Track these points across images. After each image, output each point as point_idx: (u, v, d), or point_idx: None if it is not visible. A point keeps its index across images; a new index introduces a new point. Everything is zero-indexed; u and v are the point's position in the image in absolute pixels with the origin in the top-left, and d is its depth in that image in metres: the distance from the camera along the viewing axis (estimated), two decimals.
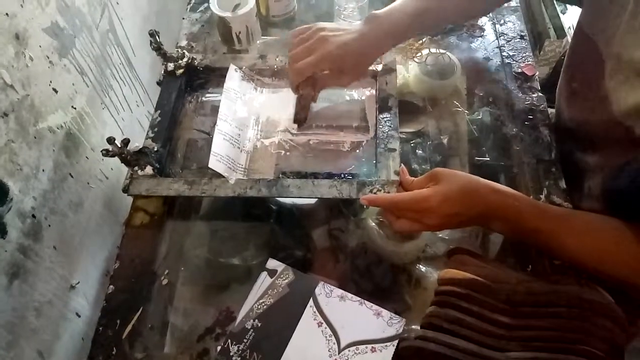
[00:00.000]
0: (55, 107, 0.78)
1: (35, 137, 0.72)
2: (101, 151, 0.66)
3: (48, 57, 0.77)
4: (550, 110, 0.83)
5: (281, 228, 0.78)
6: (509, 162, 0.76)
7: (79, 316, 0.84)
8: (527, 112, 0.79)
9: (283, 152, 0.77)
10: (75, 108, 0.84)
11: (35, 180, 0.72)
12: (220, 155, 0.71)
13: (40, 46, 0.74)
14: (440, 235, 0.79)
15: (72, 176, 0.82)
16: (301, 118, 0.80)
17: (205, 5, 0.96)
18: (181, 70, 0.81)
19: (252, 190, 0.69)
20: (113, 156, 0.66)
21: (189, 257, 0.72)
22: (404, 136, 0.85)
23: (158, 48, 0.78)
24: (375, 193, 0.69)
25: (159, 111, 0.77)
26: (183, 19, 1.00)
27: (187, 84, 0.84)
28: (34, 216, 0.71)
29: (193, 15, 1.00)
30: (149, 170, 0.69)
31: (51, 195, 0.76)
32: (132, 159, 0.68)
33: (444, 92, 0.86)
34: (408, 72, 0.89)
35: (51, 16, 0.78)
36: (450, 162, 0.84)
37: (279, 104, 0.81)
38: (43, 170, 0.74)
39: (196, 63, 0.83)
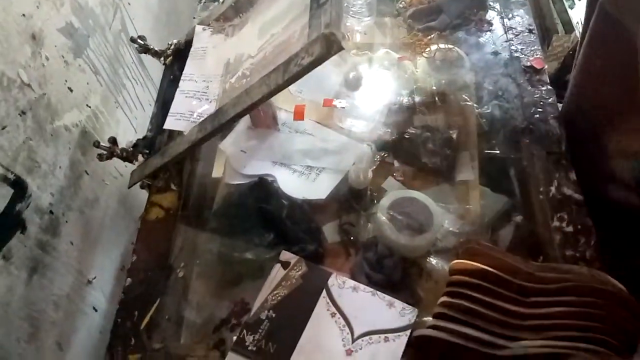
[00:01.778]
0: (71, 106, 0.80)
1: (52, 135, 0.74)
2: (96, 157, 0.67)
3: (63, 57, 0.78)
4: (560, 105, 0.84)
5: (293, 223, 0.79)
6: (519, 155, 0.77)
7: (96, 310, 0.85)
8: (536, 105, 0.80)
9: (245, 80, 0.73)
10: (89, 107, 0.86)
11: (52, 177, 0.74)
12: (180, 113, 0.71)
13: (55, 46, 0.76)
14: (450, 228, 0.80)
15: (87, 173, 0.84)
16: None
17: (216, 3, 0.98)
18: (169, 58, 0.82)
19: (201, 133, 0.67)
20: (108, 158, 0.68)
21: (203, 251, 0.73)
22: (413, 131, 0.85)
23: (146, 49, 0.80)
24: (302, 61, 0.56)
25: (157, 103, 0.79)
26: (194, 17, 1.01)
27: (179, 68, 0.84)
28: (51, 212, 0.73)
29: (204, 13, 1.01)
30: (141, 159, 0.71)
31: (68, 192, 0.78)
32: (129, 154, 0.69)
33: (453, 87, 0.87)
34: (416, 67, 0.90)
35: (66, 17, 0.79)
36: (460, 156, 0.85)
37: (246, 36, 0.78)
38: (60, 168, 0.76)
39: (180, 45, 0.84)
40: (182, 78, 0.73)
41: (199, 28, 0.79)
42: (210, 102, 0.72)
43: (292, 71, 0.56)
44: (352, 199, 0.84)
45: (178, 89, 0.72)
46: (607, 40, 0.68)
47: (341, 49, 0.53)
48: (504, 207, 0.82)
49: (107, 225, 0.90)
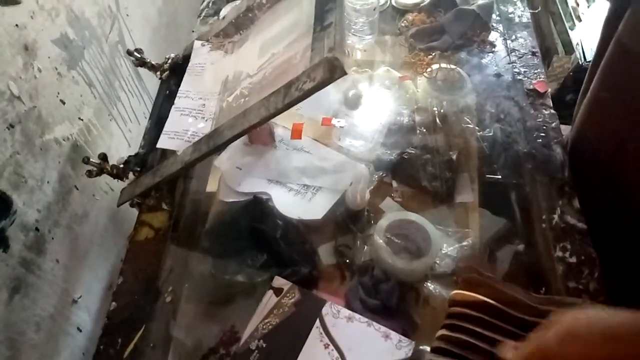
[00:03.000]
0: (62, 119, 0.78)
1: (41, 149, 0.72)
2: (85, 173, 0.65)
3: (56, 69, 0.76)
4: (562, 127, 0.82)
5: (287, 244, 0.77)
6: (521, 180, 0.75)
7: (80, 330, 0.82)
8: (539, 129, 0.78)
9: (243, 100, 0.71)
10: (82, 119, 0.83)
11: (39, 193, 0.71)
12: (175, 132, 0.69)
13: (49, 57, 0.74)
14: (449, 252, 0.78)
15: (77, 188, 0.81)
16: None
17: (215, 18, 0.97)
18: (166, 72, 0.81)
19: (195, 154, 0.64)
20: (98, 174, 0.65)
21: (193, 273, 0.71)
22: (412, 151, 0.84)
23: (142, 63, 0.78)
24: (304, 86, 0.54)
25: (151, 120, 0.77)
26: (193, 31, 1.00)
27: (176, 83, 0.82)
28: (37, 229, 0.70)
29: (202, 27, 1.00)
30: (132, 176, 0.68)
31: (55, 207, 0.75)
32: (119, 171, 0.67)
33: (454, 108, 0.85)
34: (417, 87, 0.89)
35: (61, 28, 0.78)
36: (460, 178, 0.83)
37: (245, 53, 0.77)
38: (48, 182, 0.73)
39: (178, 59, 0.82)
40: (178, 94, 0.71)
41: (197, 43, 0.77)
42: (206, 120, 0.70)
43: (293, 95, 0.54)
44: (348, 219, 0.82)
45: (173, 106, 0.70)
46: (619, 72, 0.67)
47: (344, 73, 0.51)
48: (503, 229, 0.80)
49: (96, 242, 0.87)
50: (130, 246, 0.70)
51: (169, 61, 0.80)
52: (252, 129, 0.59)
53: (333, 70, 0.51)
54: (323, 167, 0.89)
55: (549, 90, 0.83)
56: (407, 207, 0.83)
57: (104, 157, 0.66)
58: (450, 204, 0.82)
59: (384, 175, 0.86)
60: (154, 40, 1.14)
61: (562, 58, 1.58)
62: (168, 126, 0.67)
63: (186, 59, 0.80)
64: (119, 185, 0.93)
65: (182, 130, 0.68)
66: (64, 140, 0.78)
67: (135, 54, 0.77)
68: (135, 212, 0.78)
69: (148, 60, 0.78)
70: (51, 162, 0.74)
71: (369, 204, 0.82)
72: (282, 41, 0.65)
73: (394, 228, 0.78)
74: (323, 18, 0.58)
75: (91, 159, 0.66)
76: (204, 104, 0.72)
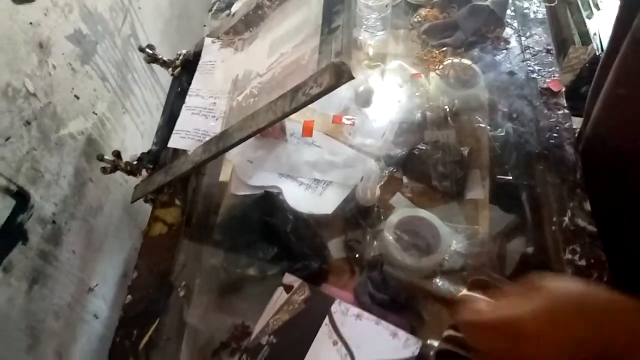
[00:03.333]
0: (77, 114, 0.79)
1: (56, 144, 0.73)
2: (100, 170, 0.66)
3: (70, 64, 0.77)
4: (575, 119, 0.81)
5: (297, 238, 0.78)
6: (532, 181, 0.74)
7: (97, 317, 0.85)
8: (552, 129, 0.77)
9: (252, 99, 0.71)
10: (96, 114, 0.85)
11: (56, 187, 0.73)
12: (186, 131, 0.69)
13: (63, 54, 0.75)
14: (458, 249, 0.79)
15: (92, 181, 0.83)
16: None
17: (227, 12, 0.96)
18: (178, 70, 0.81)
19: (205, 154, 0.65)
20: (112, 171, 0.66)
21: (205, 267, 0.72)
22: (423, 147, 0.84)
23: (154, 59, 0.79)
24: (311, 91, 0.54)
25: (163, 116, 0.77)
26: (204, 26, 1.00)
27: (188, 80, 0.83)
28: (54, 222, 0.72)
29: (214, 22, 1.00)
30: (145, 174, 0.70)
31: (71, 200, 0.77)
32: (133, 168, 0.68)
33: (466, 104, 0.85)
34: (429, 84, 0.88)
35: (74, 23, 0.78)
36: (471, 174, 0.83)
37: (255, 52, 0.76)
38: (64, 177, 0.75)
39: (189, 56, 0.82)
40: (189, 93, 0.71)
41: (207, 40, 0.77)
42: (217, 119, 0.71)
43: (299, 100, 0.54)
44: (358, 215, 0.82)
45: (184, 105, 0.70)
46: (635, 69, 0.65)
47: (351, 78, 0.51)
48: (513, 225, 0.80)
49: (111, 233, 0.89)
50: (144, 241, 0.71)
51: (180, 57, 0.80)
52: (260, 131, 0.59)
53: (340, 76, 0.51)
54: (334, 162, 0.90)
55: (563, 89, 0.82)
56: (417, 203, 0.84)
57: (117, 155, 0.67)
58: (461, 201, 0.82)
59: (394, 170, 0.86)
60: (166, 32, 1.14)
61: (578, 49, 1.55)
62: (179, 125, 0.68)
63: (197, 55, 0.80)
64: (133, 178, 0.95)
65: (193, 129, 0.69)
66: (78, 134, 0.79)
67: (147, 50, 0.77)
68: (149, 206, 0.80)
69: (160, 57, 0.79)
70: (66, 156, 0.76)
71: (379, 199, 0.82)
72: (290, 41, 0.65)
73: (403, 224, 0.79)
74: (331, 20, 0.58)
75: (105, 156, 0.67)
76: (215, 103, 0.72)
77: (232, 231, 0.78)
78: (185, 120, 0.69)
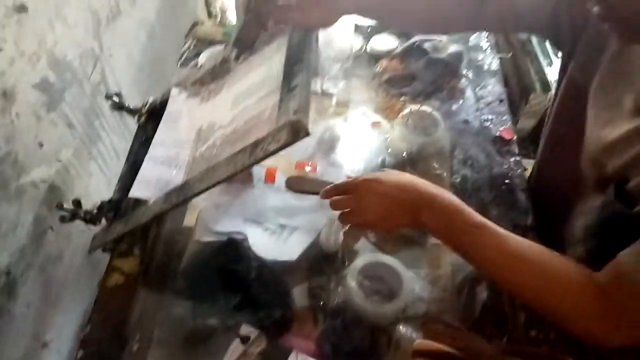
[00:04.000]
0: (40, 161, 0.79)
1: (16, 192, 0.73)
2: (58, 219, 0.66)
3: (35, 112, 0.78)
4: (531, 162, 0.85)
5: (261, 286, 0.78)
6: None
7: None
8: (504, 176, 0.81)
9: (215, 150, 0.72)
10: (60, 161, 0.84)
11: (12, 237, 0.72)
12: (148, 181, 0.70)
13: (28, 101, 0.76)
14: (421, 294, 0.79)
15: (52, 229, 0.81)
16: (248, 36, 0.67)
17: (196, 60, 0.99)
18: (144, 117, 0.82)
19: (165, 205, 0.65)
20: (71, 220, 0.66)
21: (164, 318, 0.71)
22: None
23: (121, 107, 0.80)
24: (269, 147, 0.58)
25: (126, 164, 0.78)
26: (173, 74, 1.02)
27: (154, 128, 0.84)
28: (8, 273, 0.71)
29: (183, 71, 1.02)
30: (104, 222, 0.69)
31: (29, 249, 0.76)
32: (93, 217, 0.68)
33: (425, 150, 0.88)
34: (391, 131, 0.91)
35: (41, 72, 0.79)
36: None
37: (220, 103, 0.78)
38: (22, 225, 0.74)
39: (156, 104, 0.84)
40: (153, 143, 0.72)
41: (174, 90, 0.79)
42: (180, 168, 0.72)
43: (257, 155, 0.56)
44: (323, 261, 0.83)
45: (147, 155, 0.71)
46: (572, 107, 0.70)
47: (307, 134, 0.53)
48: (475, 273, 0.81)
49: (70, 283, 0.87)
50: (99, 293, 0.70)
51: (147, 105, 0.82)
52: (219, 183, 0.61)
53: (297, 133, 0.53)
54: (299, 207, 0.91)
55: (515, 137, 0.86)
56: (381, 248, 0.85)
57: (77, 203, 0.67)
58: (424, 246, 0.84)
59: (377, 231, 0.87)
60: (138, 78, 1.16)
61: (538, 96, 1.63)
62: (141, 175, 0.69)
63: (163, 104, 0.82)
64: (95, 229, 0.94)
65: (155, 179, 0.69)
66: (41, 182, 0.79)
67: (114, 98, 0.79)
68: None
69: (127, 105, 0.80)
70: (26, 205, 0.75)
71: (344, 245, 0.83)
72: (254, 95, 0.68)
73: (367, 270, 0.80)
74: (291, 78, 0.61)
75: (64, 205, 0.66)
76: (178, 152, 0.74)
77: (194, 280, 0.77)
78: (148, 170, 0.69)
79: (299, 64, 0.62)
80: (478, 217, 0.60)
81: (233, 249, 0.82)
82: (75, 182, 0.88)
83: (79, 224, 0.89)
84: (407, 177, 0.65)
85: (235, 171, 0.58)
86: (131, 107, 0.81)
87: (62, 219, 0.66)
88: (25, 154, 0.75)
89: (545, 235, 0.74)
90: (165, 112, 0.77)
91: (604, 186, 0.59)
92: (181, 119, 0.77)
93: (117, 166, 1.07)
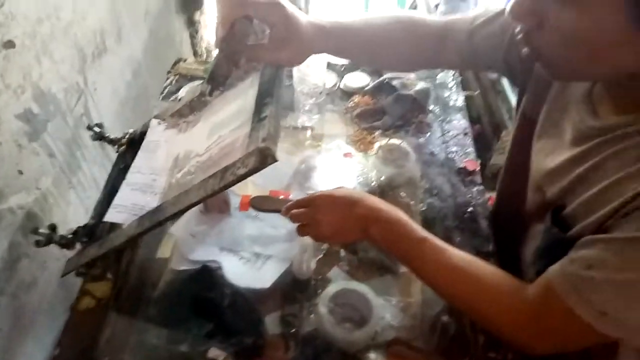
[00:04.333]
0: (19, 189, 0.81)
1: None
2: (32, 243, 0.67)
3: (17, 141, 0.80)
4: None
5: (234, 313, 0.79)
6: None
7: None
8: (467, 204, 0.85)
9: (190, 177, 0.73)
10: (39, 189, 0.86)
11: None
12: (123, 206, 0.72)
13: (10, 131, 0.78)
14: (391, 322, 0.81)
15: (28, 256, 0.82)
16: (221, 73, 0.68)
17: (177, 95, 1.03)
18: (123, 147, 0.85)
19: (139, 228, 0.67)
20: (46, 244, 0.68)
21: (135, 343, 0.72)
22: None
23: (101, 137, 0.83)
24: (238, 171, 0.59)
25: (104, 191, 0.80)
26: (155, 107, 1.06)
27: (132, 157, 0.86)
28: None
29: (164, 103, 1.07)
30: (78, 247, 0.71)
31: (3, 275, 0.76)
32: (67, 242, 0.69)
33: (398, 180, 0.92)
34: (365, 161, 0.95)
35: (25, 103, 0.82)
36: None
37: (197, 134, 0.80)
38: None
39: (135, 135, 0.87)
40: (130, 170, 0.75)
41: (154, 122, 0.83)
42: (156, 194, 0.74)
43: (227, 179, 0.59)
44: (295, 289, 0.84)
45: (124, 181, 0.74)
46: (525, 141, 0.75)
47: (275, 161, 0.57)
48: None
49: (43, 310, 0.87)
50: (70, 316, 0.71)
51: (127, 136, 0.85)
52: (192, 207, 0.63)
53: (264, 159, 0.56)
54: (275, 235, 0.93)
55: (478, 168, 0.91)
56: (353, 276, 0.87)
57: (52, 228, 0.68)
58: (396, 274, 0.86)
59: (331, 244, 0.90)
60: (122, 112, 1.20)
61: (510, 132, 1.70)
62: (117, 200, 0.71)
63: (143, 134, 0.85)
64: (71, 252, 0.95)
65: (131, 204, 0.71)
66: (18, 209, 0.80)
67: (95, 128, 0.82)
68: None
69: (107, 135, 0.83)
70: (2, 231, 0.76)
71: (317, 272, 0.85)
72: (228, 126, 0.71)
73: (338, 297, 0.81)
74: (261, 110, 0.65)
75: (40, 229, 0.68)
76: (155, 179, 0.76)
77: (166, 306, 0.78)
78: (124, 196, 0.72)
79: (269, 98, 0.66)
80: (421, 232, 0.66)
81: (207, 277, 0.83)
82: (53, 210, 0.90)
83: (54, 251, 0.90)
84: (358, 194, 0.72)
85: (206, 195, 0.61)
86: (112, 137, 0.84)
87: (37, 243, 0.67)
88: (5, 181, 0.77)
89: (506, 259, 0.78)
90: (144, 142, 0.80)
91: (545, 212, 0.63)
92: (159, 148, 0.80)
93: (96, 196, 1.08)
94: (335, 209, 0.69)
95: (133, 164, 0.75)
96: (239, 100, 0.74)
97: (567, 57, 0.52)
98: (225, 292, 0.81)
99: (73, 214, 0.96)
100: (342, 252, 0.90)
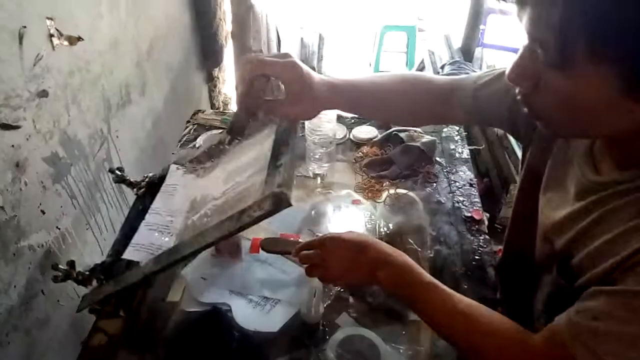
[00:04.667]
0: (40, 227, 0.84)
1: (14, 254, 0.77)
2: (51, 278, 0.70)
3: (42, 182, 0.85)
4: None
5: (241, 357, 0.79)
6: None
7: None
8: (474, 252, 0.86)
9: (206, 219, 0.77)
10: (59, 228, 0.90)
11: (4, 296, 0.75)
12: (141, 244, 0.74)
13: (37, 173, 0.83)
14: None
15: (43, 293, 0.84)
16: (240, 125, 0.74)
17: (194, 143, 1.09)
18: (142, 190, 0.89)
19: (155, 266, 0.69)
20: (63, 280, 0.70)
21: None
22: None
23: (122, 180, 0.87)
24: (254, 213, 0.62)
25: (121, 231, 0.83)
26: (172, 153, 1.12)
27: (151, 200, 0.90)
28: None
29: (182, 151, 1.12)
30: (95, 284, 0.73)
31: (17, 311, 0.78)
32: (85, 278, 0.72)
33: (408, 229, 0.94)
34: (374, 210, 0.98)
35: (52, 147, 0.88)
36: None
37: (214, 179, 0.84)
38: (14, 287, 0.77)
39: (155, 179, 0.91)
40: (149, 211, 0.78)
41: (173, 167, 0.87)
42: (172, 235, 0.77)
43: (243, 220, 0.62)
44: (304, 333, 0.84)
45: (143, 221, 0.77)
46: (531, 192, 0.77)
47: (289, 205, 0.60)
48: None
49: (54, 348, 0.88)
50: (82, 352, 0.72)
51: (146, 179, 0.89)
52: (207, 247, 0.66)
53: (279, 203, 0.60)
54: (284, 280, 0.94)
55: (484, 217, 0.93)
56: (362, 322, 0.87)
57: (71, 264, 0.71)
58: (404, 321, 0.86)
59: (340, 290, 0.90)
60: (141, 158, 1.26)
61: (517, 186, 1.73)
62: (136, 239, 0.74)
63: (162, 178, 0.89)
64: (85, 291, 0.97)
65: (149, 243, 0.74)
66: (38, 247, 0.84)
67: (117, 172, 0.86)
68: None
69: (127, 178, 0.88)
70: (21, 267, 0.79)
71: (325, 318, 0.85)
72: (245, 172, 0.75)
73: (346, 343, 0.81)
74: (277, 158, 0.69)
75: (60, 265, 0.71)
76: (172, 220, 0.79)
77: (175, 346, 0.79)
78: (142, 235, 0.75)
79: (285, 147, 0.70)
80: (427, 277, 0.67)
81: (216, 319, 0.84)
82: (70, 250, 0.93)
83: (69, 291, 0.92)
84: (367, 237, 0.73)
85: (222, 235, 0.64)
86: (132, 180, 0.88)
87: (55, 279, 0.69)
88: (27, 220, 0.81)
89: (515, 309, 0.78)
90: (163, 185, 0.84)
91: (553, 262, 0.64)
92: (177, 192, 0.84)
93: (112, 237, 1.11)
94: (345, 251, 0.70)
95: (152, 206, 0.79)
96: (256, 150, 0.79)
97: (564, 119, 0.54)
98: (233, 334, 0.81)
99: (89, 255, 0.99)
100: (351, 299, 0.90)
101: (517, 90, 0.58)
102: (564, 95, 0.51)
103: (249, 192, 0.71)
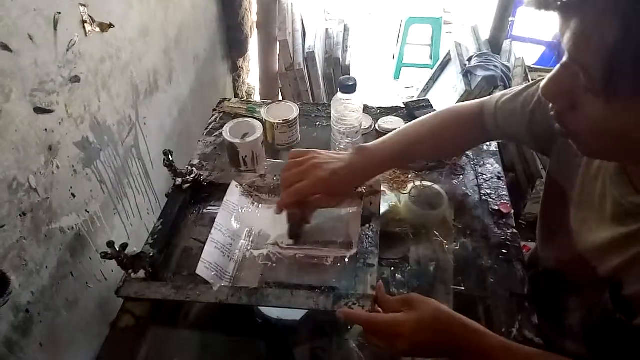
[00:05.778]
0: (71, 210, 0.86)
1: (46, 236, 0.79)
2: (100, 254, 0.71)
3: (73, 167, 0.87)
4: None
5: (265, 343, 0.80)
6: (485, 293, 0.79)
7: None
8: (502, 246, 0.84)
9: (270, 263, 0.81)
10: (88, 212, 0.92)
11: (37, 276, 0.77)
12: (210, 262, 0.75)
13: (68, 157, 0.85)
14: None
15: (72, 275, 0.87)
16: (297, 233, 0.85)
17: (220, 131, 1.09)
18: (188, 185, 0.90)
19: (233, 298, 0.71)
20: (111, 259, 0.71)
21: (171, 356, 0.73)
22: (384, 265, 0.89)
23: (170, 165, 0.88)
24: (350, 307, 0.69)
25: (161, 220, 0.84)
26: (199, 141, 1.12)
27: (192, 197, 0.92)
28: (27, 311, 0.75)
29: (208, 138, 1.12)
30: (141, 274, 0.74)
31: (49, 291, 0.80)
32: (128, 262, 0.73)
33: (432, 222, 0.93)
34: (400, 200, 0.97)
35: (83, 132, 0.89)
36: (436, 289, 0.87)
37: (273, 219, 0.86)
38: (46, 267, 0.79)
39: (202, 179, 0.92)
40: (214, 226, 0.81)
41: (233, 184, 0.90)
42: (231, 260, 0.81)
43: (340, 305, 0.70)
44: (326, 323, 0.84)
45: (210, 236, 0.79)
46: (553, 202, 0.75)
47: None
48: None
49: (82, 328, 0.90)
50: (110, 333, 0.73)
51: (193, 175, 0.91)
52: (294, 308, 0.73)
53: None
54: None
55: (512, 211, 0.91)
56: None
57: (124, 246, 0.73)
58: None
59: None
60: (166, 145, 1.27)
61: (544, 182, 1.69)
62: (205, 255, 0.76)
63: (212, 183, 0.93)
64: (112, 274, 0.99)
65: (215, 263, 0.77)
66: (68, 229, 0.86)
67: (169, 155, 0.87)
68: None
69: (174, 165, 0.89)
70: (53, 248, 0.81)
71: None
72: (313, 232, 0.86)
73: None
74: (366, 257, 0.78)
75: (115, 244, 0.72)
76: (231, 244, 0.82)
77: (200, 331, 0.80)
78: (210, 252, 0.77)
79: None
80: (515, 355, 0.61)
81: (240, 306, 0.85)
82: (98, 234, 0.95)
83: (97, 272, 0.94)
84: (442, 318, 0.63)
85: (314, 308, 0.71)
86: (180, 170, 0.90)
87: (104, 255, 0.71)
88: (59, 203, 0.83)
89: (544, 306, 0.76)
90: (224, 200, 0.86)
91: (598, 286, 0.61)
92: (235, 212, 0.88)
93: (139, 223, 1.14)
94: (418, 345, 0.62)
95: (216, 220, 0.82)
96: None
97: (598, 143, 0.51)
98: (256, 321, 0.82)
99: (117, 239, 1.00)
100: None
101: (550, 106, 0.54)
102: (603, 123, 0.47)
103: (321, 264, 0.81)
